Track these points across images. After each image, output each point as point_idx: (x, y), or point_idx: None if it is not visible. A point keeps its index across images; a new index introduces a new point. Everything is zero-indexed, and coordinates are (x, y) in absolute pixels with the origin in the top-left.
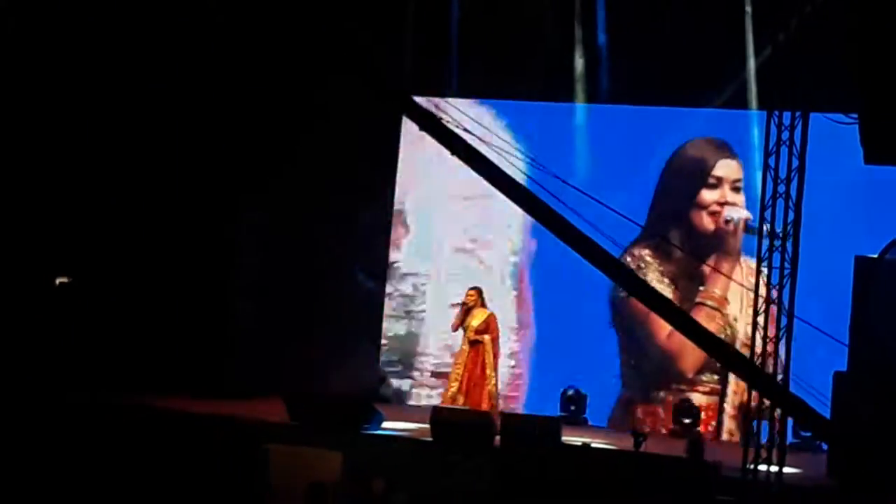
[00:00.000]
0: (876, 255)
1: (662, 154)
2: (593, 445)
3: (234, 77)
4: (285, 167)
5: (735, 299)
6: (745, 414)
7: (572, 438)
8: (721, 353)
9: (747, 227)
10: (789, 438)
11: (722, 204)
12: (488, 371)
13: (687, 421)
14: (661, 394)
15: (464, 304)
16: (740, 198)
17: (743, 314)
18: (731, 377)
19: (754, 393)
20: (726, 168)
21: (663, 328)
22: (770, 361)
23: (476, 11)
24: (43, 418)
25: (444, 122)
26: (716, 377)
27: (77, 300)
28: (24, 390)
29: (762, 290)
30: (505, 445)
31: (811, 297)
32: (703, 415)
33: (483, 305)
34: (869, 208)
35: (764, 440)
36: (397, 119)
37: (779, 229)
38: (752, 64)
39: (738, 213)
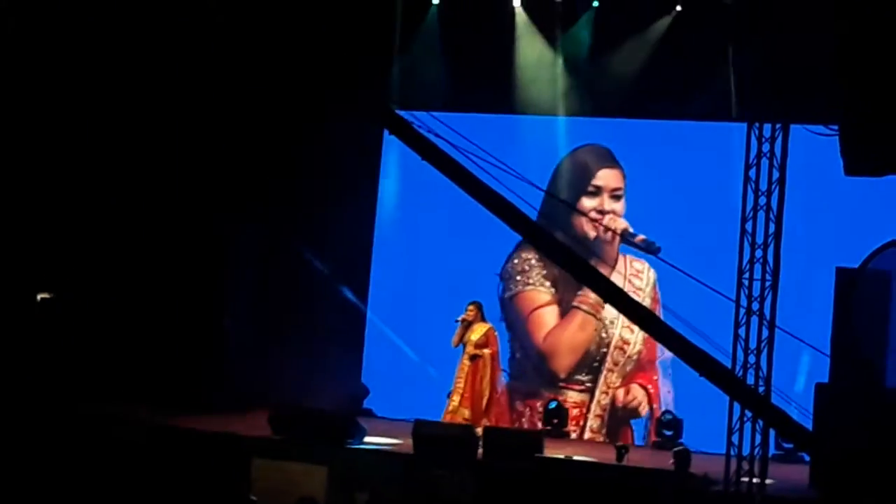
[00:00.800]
0: (857, 267)
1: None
2: (575, 458)
3: (222, 94)
4: (271, 183)
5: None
6: (729, 424)
7: (555, 452)
8: (703, 366)
9: (624, 237)
10: (772, 450)
11: (601, 212)
12: (485, 385)
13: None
14: (542, 390)
15: (464, 319)
16: (619, 205)
17: (620, 319)
18: (602, 378)
19: (736, 404)
20: (606, 177)
21: (541, 329)
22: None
23: None
24: (27, 429)
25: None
26: (589, 376)
27: (60, 315)
28: (8, 402)
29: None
30: (487, 459)
31: (793, 308)
32: (572, 412)
33: (483, 320)
34: (850, 219)
35: (746, 452)
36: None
37: (760, 241)
38: (732, 76)
39: (617, 222)
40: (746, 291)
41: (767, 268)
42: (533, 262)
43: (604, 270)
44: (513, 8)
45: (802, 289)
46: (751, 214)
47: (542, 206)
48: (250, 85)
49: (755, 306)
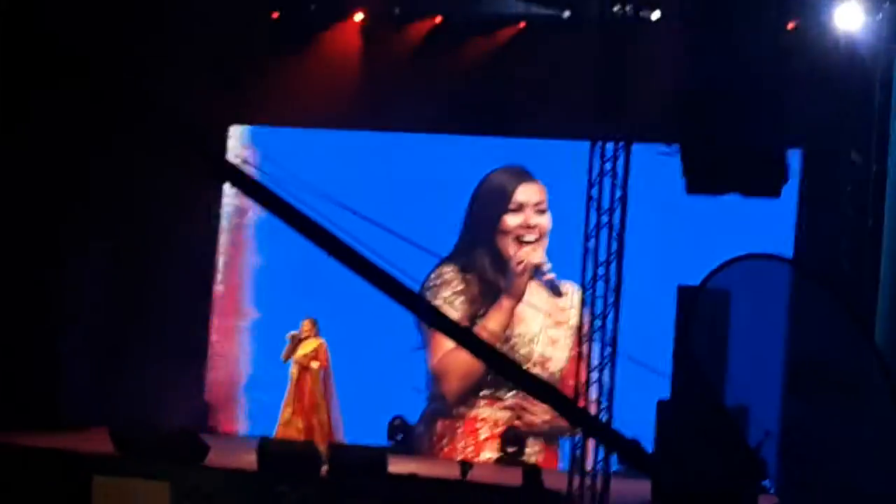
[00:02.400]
0: (697, 285)
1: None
2: (420, 476)
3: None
4: (111, 198)
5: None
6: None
7: (399, 469)
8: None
9: (534, 273)
10: (615, 466)
11: (528, 227)
12: (318, 400)
13: (511, 450)
14: (461, 409)
15: (294, 335)
16: (545, 219)
17: (541, 336)
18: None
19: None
20: (527, 192)
21: (439, 349)
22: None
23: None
24: None
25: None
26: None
27: None
28: None
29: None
30: (332, 476)
31: (636, 326)
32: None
33: (317, 336)
34: (692, 237)
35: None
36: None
37: (602, 258)
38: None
39: (528, 255)
40: (589, 309)
41: (610, 285)
42: (447, 276)
43: (507, 302)
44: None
45: (645, 307)
46: (594, 232)
47: (462, 232)
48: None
49: (597, 323)
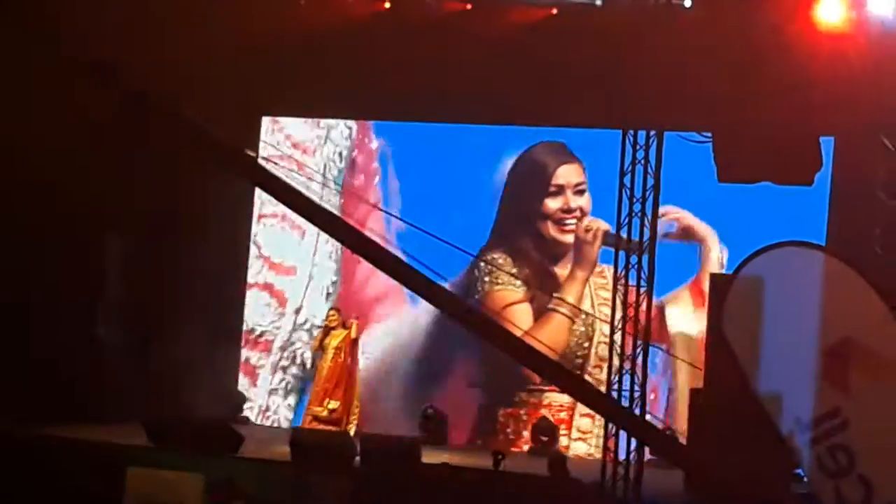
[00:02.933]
0: (731, 273)
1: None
2: (452, 465)
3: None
4: (141, 195)
5: (589, 307)
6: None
7: (432, 458)
8: (561, 378)
9: (606, 238)
10: (648, 455)
11: (567, 210)
12: (351, 391)
13: (545, 438)
14: (523, 395)
15: (326, 325)
16: (584, 199)
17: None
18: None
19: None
20: (567, 174)
21: (514, 329)
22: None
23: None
24: None
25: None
26: None
27: None
28: None
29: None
30: (364, 466)
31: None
32: (558, 415)
33: (343, 326)
34: (723, 226)
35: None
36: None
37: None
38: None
39: (598, 223)
40: (622, 297)
41: (643, 274)
42: (499, 261)
43: (580, 272)
44: None
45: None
46: (626, 221)
47: (500, 210)
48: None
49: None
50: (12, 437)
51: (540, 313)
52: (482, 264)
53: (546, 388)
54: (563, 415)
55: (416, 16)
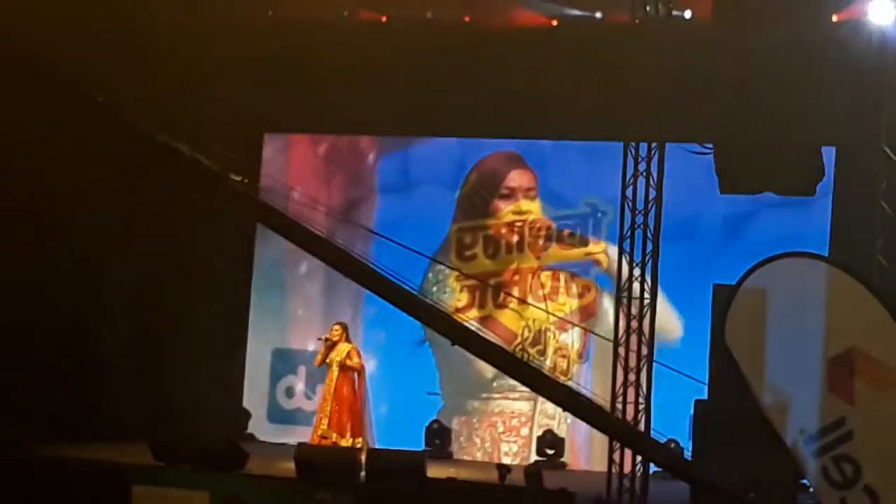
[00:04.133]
0: (733, 284)
1: None
2: (459, 479)
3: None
4: (145, 218)
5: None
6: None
7: (438, 473)
8: (556, 394)
9: (549, 234)
10: (652, 467)
11: (519, 213)
12: (357, 405)
13: (551, 452)
14: (476, 403)
15: (328, 338)
16: (535, 205)
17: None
18: None
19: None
20: (518, 178)
21: None
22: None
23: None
24: None
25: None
26: None
27: None
28: None
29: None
30: (370, 481)
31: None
32: (511, 423)
33: (347, 340)
34: (726, 237)
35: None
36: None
37: (637, 259)
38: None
39: (541, 220)
40: (625, 310)
41: (646, 286)
42: (446, 271)
43: (526, 268)
44: None
45: (681, 307)
46: (628, 233)
47: (456, 214)
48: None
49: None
50: (18, 457)
51: (487, 313)
52: (429, 276)
53: (497, 396)
54: (514, 422)
55: (416, 29)
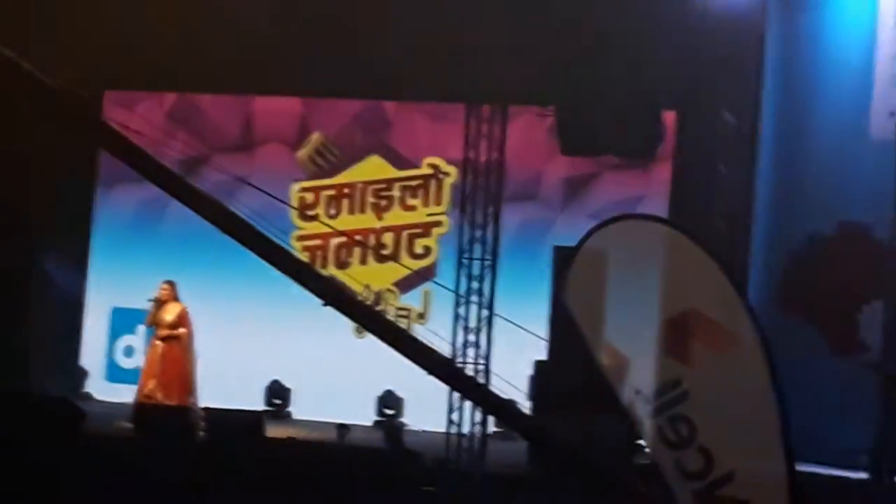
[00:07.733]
0: (573, 245)
1: None
2: (298, 439)
3: None
4: None
5: None
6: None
7: (277, 433)
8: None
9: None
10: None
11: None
12: (187, 367)
13: (390, 412)
14: None
15: (157, 299)
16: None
17: None
18: None
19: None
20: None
21: None
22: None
23: None
24: None
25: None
26: None
27: None
28: None
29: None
30: (208, 441)
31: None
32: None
33: (176, 300)
34: (567, 199)
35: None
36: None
37: (479, 221)
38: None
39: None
40: (466, 272)
41: (487, 248)
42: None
43: None
44: None
45: (521, 268)
46: (470, 195)
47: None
48: None
49: (475, 286)
50: None
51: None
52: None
53: None
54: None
55: None
